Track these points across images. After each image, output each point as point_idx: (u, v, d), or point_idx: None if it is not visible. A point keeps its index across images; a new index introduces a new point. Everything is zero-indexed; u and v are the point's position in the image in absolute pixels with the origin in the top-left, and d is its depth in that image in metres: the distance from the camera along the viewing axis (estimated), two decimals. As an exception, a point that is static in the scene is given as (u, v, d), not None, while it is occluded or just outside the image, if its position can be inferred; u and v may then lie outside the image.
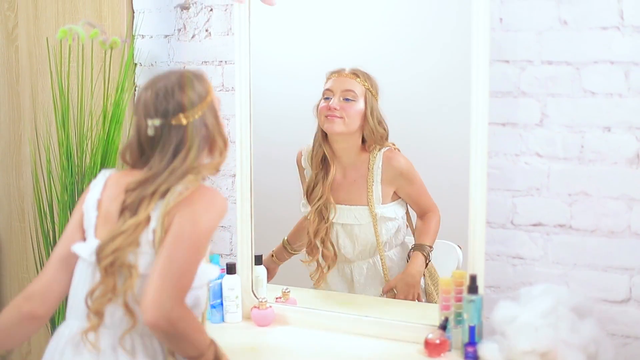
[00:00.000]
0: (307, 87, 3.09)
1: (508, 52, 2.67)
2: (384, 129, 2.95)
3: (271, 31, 3.08)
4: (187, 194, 2.10)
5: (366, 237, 2.98)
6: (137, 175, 2.15)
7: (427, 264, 2.94)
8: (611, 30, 2.54)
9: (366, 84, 2.93)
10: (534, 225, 2.69)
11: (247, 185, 2.93)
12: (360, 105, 2.93)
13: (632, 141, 2.54)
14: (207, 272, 2.20)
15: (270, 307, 2.86)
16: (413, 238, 2.99)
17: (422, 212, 2.99)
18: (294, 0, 3.02)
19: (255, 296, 2.92)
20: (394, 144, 2.96)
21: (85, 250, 2.14)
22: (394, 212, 2.98)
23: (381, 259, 2.98)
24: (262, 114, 3.01)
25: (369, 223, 2.97)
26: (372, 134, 2.94)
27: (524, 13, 2.64)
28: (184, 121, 2.14)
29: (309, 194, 3.03)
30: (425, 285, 2.97)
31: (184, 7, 3.27)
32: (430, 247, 2.94)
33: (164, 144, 2.14)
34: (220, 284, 2.87)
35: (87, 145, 3.25)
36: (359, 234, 2.99)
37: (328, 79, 2.98)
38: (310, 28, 3.10)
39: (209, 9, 3.20)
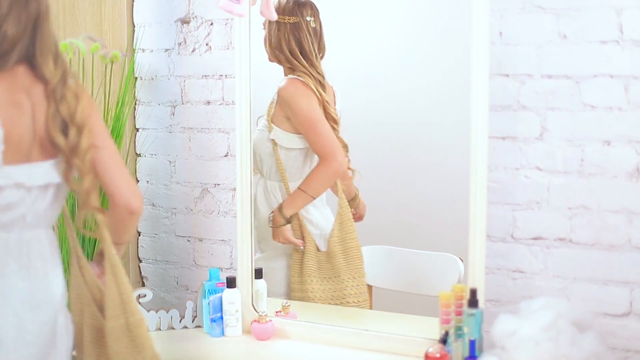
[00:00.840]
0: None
1: (508, 66, 2.68)
2: (282, 52, 3.00)
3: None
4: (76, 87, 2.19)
5: (273, 156, 3.04)
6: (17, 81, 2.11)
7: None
8: (610, 44, 2.54)
9: None
10: (534, 238, 2.69)
11: (247, 198, 2.94)
12: (265, 34, 3.05)
13: (632, 155, 2.54)
14: None
15: (270, 321, 2.86)
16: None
17: (318, 156, 3.01)
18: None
19: (256, 310, 2.92)
20: (310, 75, 2.99)
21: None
22: (278, 136, 3.01)
23: (285, 186, 3.04)
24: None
25: (268, 139, 3.03)
26: (277, 60, 3.04)
27: (524, 27, 2.64)
28: None
29: None
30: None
31: (185, 21, 3.28)
32: (309, 195, 2.98)
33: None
34: (221, 297, 2.87)
35: (87, 158, 3.25)
36: (262, 149, 3.05)
37: None
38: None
39: (210, 22, 3.21)
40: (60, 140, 2.11)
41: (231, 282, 2.87)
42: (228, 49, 3.19)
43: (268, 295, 2.97)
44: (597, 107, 2.58)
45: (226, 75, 3.19)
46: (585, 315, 2.44)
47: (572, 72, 2.60)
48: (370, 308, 3.04)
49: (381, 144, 3.02)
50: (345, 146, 3.00)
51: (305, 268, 3.01)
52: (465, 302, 2.52)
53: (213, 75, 3.24)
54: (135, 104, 3.41)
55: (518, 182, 2.69)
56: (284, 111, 3.00)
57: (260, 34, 2.98)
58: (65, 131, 2.12)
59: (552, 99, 2.64)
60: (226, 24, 3.18)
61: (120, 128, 3.25)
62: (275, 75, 3.11)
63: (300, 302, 3.02)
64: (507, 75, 2.68)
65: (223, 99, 3.21)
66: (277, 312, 2.93)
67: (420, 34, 2.98)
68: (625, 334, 2.60)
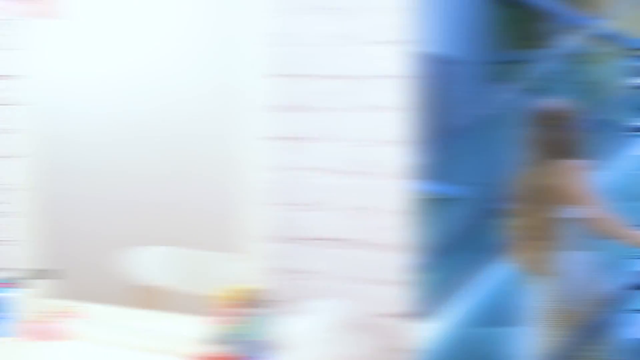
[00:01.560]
0: (94, 101, 3.08)
1: (287, 66, 2.69)
2: None
3: (63, 46, 3.07)
4: None
5: None
6: None
7: None
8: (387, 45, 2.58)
9: None
10: (315, 239, 2.71)
11: (31, 198, 2.91)
12: None
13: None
14: None
15: (53, 321, 2.83)
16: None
17: None
18: (88, 17, 3.01)
19: (37, 311, 2.88)
20: None
21: None
22: None
23: None
24: (52, 129, 3.01)
25: None
26: None
27: (303, 28, 2.66)
28: None
29: None
30: None
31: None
32: None
33: None
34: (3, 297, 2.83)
35: None
36: None
37: None
38: (101, 45, 3.08)
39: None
40: None
41: (16, 282, 2.85)
42: (14, 49, 3.11)
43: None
44: (378, 107, 2.61)
45: (11, 76, 3.11)
46: (362, 316, 2.49)
47: (350, 72, 2.63)
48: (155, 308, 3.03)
49: (159, 146, 3.00)
50: None
51: None
52: (246, 303, 2.53)
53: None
54: None
55: (298, 182, 2.71)
56: None
57: (49, 35, 2.95)
58: None
59: (332, 99, 2.66)
60: (12, 24, 3.10)
61: None
62: (62, 76, 3.09)
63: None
64: (287, 76, 2.69)
65: (8, 99, 3.13)
66: (60, 313, 2.90)
67: (197, 34, 2.96)
68: (401, 334, 2.65)
